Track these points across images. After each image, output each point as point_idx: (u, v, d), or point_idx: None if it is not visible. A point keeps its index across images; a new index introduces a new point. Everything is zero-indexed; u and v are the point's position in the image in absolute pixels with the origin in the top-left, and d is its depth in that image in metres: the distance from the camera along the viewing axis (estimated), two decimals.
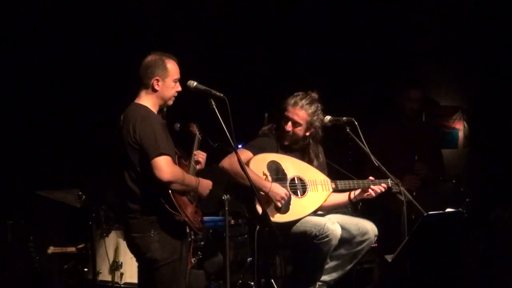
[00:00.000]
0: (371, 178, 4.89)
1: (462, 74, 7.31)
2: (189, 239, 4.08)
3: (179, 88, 4.17)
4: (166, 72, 4.10)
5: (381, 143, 5.55)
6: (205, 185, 4.22)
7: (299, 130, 4.91)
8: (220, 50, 6.82)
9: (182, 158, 4.27)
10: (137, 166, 3.98)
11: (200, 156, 4.34)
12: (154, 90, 4.11)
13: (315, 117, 4.89)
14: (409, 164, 5.67)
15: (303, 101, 4.87)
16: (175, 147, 4.32)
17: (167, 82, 4.12)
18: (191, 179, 4.11)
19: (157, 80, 4.10)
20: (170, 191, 3.94)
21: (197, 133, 4.43)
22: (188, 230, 4.04)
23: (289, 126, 4.89)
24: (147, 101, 4.12)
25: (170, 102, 4.19)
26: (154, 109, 4.14)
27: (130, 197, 4.03)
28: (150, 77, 4.09)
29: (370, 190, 4.86)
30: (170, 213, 3.94)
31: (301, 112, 4.86)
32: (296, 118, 4.87)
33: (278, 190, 4.71)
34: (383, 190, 4.87)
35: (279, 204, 4.70)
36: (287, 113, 4.89)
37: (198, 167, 4.32)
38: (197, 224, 4.09)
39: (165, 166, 3.91)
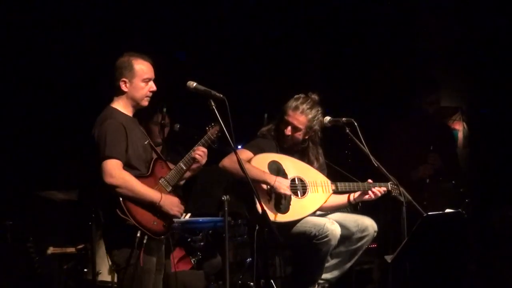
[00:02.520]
0: (369, 180, 4.89)
1: (461, 75, 7.30)
2: (143, 242, 3.95)
3: (153, 88, 4.15)
4: (132, 73, 4.09)
5: (397, 140, 5.62)
6: (169, 202, 4.06)
7: (299, 135, 4.91)
8: (220, 50, 6.82)
9: (162, 160, 4.20)
10: (96, 170, 3.98)
11: (198, 152, 4.21)
12: (123, 92, 4.11)
13: (315, 121, 4.89)
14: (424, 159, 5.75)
15: (304, 106, 4.86)
16: (176, 147, 4.31)
17: (135, 83, 4.10)
18: (146, 190, 3.98)
19: (124, 82, 4.09)
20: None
21: (209, 133, 4.28)
22: (139, 235, 3.93)
23: (288, 131, 4.89)
24: (118, 103, 4.13)
25: (144, 103, 4.17)
26: (127, 110, 4.13)
27: (97, 201, 4.09)
28: (118, 78, 4.10)
29: (370, 193, 4.86)
30: (121, 217, 3.91)
31: (302, 117, 4.86)
32: (296, 123, 4.87)
33: (283, 182, 4.74)
34: (383, 193, 4.87)
35: (286, 193, 4.70)
36: (287, 117, 4.88)
37: (195, 166, 4.23)
38: (155, 228, 4.01)
39: (109, 170, 3.90)
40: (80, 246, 5.22)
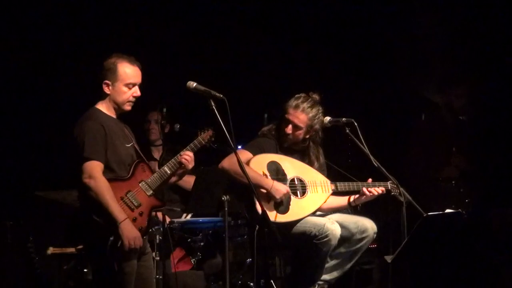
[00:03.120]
0: (369, 180, 4.89)
1: (461, 74, 7.30)
2: (117, 246, 3.83)
3: (137, 94, 4.05)
4: (116, 76, 4.00)
5: (422, 140, 5.63)
6: (128, 231, 3.84)
7: (299, 134, 4.91)
8: (220, 50, 6.82)
9: (145, 163, 4.10)
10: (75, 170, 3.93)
11: (185, 157, 4.11)
12: (106, 94, 4.04)
13: (316, 120, 4.89)
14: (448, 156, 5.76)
15: (305, 104, 4.86)
16: (175, 147, 4.28)
17: (117, 86, 4.01)
18: (113, 206, 3.83)
19: (107, 84, 4.02)
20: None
21: (200, 137, 4.23)
22: (112, 239, 3.82)
23: (289, 129, 4.89)
24: (103, 104, 4.06)
25: (126, 107, 4.07)
26: (110, 112, 4.06)
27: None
28: (102, 79, 4.02)
29: (366, 192, 4.86)
30: (95, 220, 3.85)
31: (302, 116, 4.86)
32: (296, 121, 4.86)
33: (280, 187, 4.73)
34: (380, 192, 4.87)
35: (282, 200, 4.70)
36: (288, 115, 4.88)
37: (180, 170, 4.14)
38: None
39: (89, 171, 3.84)
40: (80, 246, 5.22)
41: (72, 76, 6.14)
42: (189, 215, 5.64)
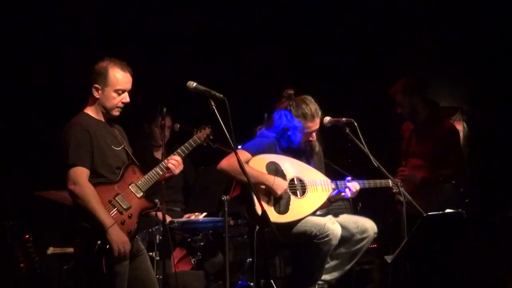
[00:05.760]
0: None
1: (462, 74, 7.30)
2: (105, 249, 3.83)
3: (126, 100, 4.05)
4: (106, 81, 3.99)
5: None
6: (117, 235, 3.84)
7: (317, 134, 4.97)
8: (220, 50, 6.82)
9: (136, 165, 4.10)
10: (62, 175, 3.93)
11: (172, 162, 4.12)
12: (95, 98, 4.03)
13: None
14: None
15: (312, 106, 4.89)
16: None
17: (107, 91, 4.00)
18: (100, 212, 3.83)
19: (96, 88, 4.01)
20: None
21: (196, 136, 4.26)
22: (99, 242, 3.82)
23: (313, 137, 4.93)
24: (91, 108, 4.06)
25: (114, 113, 4.06)
26: (99, 116, 4.05)
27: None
28: (91, 83, 4.02)
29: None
30: (82, 224, 3.85)
31: (318, 120, 4.90)
32: (317, 127, 4.91)
33: (282, 183, 4.75)
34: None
35: (283, 195, 4.73)
36: (307, 128, 4.88)
37: (167, 174, 4.15)
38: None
39: (74, 177, 3.85)
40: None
41: (72, 75, 6.14)
42: (203, 214, 5.61)
